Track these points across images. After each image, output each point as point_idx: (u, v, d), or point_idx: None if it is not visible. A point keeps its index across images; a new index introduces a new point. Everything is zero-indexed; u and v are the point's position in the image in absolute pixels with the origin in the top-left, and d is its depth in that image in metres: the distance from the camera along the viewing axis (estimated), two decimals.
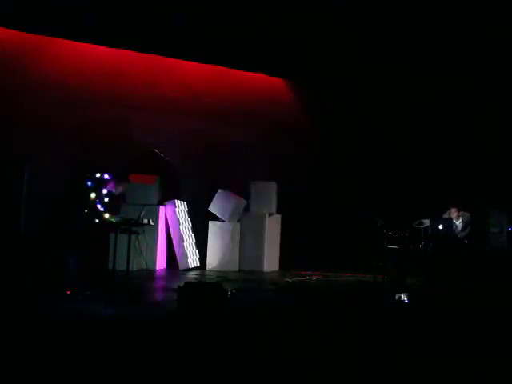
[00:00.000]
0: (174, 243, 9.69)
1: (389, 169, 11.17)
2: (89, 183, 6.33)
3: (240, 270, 9.76)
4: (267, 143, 11.09)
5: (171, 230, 9.75)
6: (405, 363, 4.14)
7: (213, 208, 9.97)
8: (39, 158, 9.06)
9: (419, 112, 11.41)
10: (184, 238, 9.63)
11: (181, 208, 9.88)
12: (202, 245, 9.97)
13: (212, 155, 11.03)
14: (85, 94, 9.71)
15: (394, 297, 6.50)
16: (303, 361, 4.12)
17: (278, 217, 10.34)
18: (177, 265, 9.57)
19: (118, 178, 6.66)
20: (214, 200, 9.94)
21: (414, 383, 3.84)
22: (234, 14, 9.14)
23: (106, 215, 6.28)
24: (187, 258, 9.60)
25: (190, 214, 10.08)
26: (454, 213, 8.83)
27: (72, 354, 4.04)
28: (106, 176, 6.52)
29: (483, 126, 10.86)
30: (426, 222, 8.60)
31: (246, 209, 10.24)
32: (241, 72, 11.13)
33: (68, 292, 5.93)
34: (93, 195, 6.31)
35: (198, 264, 9.85)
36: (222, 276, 8.74)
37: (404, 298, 6.44)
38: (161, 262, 9.64)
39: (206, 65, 10.78)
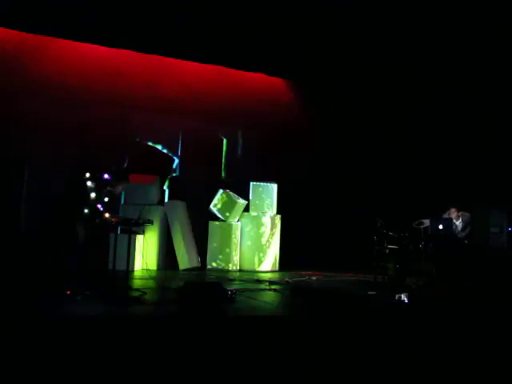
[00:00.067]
0: (175, 243, 9.69)
1: (389, 169, 11.18)
2: (89, 183, 6.32)
3: (240, 270, 9.80)
4: (267, 143, 11.09)
5: (171, 229, 9.76)
6: (405, 363, 4.14)
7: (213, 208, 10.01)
8: (39, 158, 9.07)
9: (419, 112, 11.42)
10: (184, 238, 9.63)
11: (181, 208, 9.89)
12: (202, 245, 9.97)
13: (212, 155, 11.05)
14: (85, 94, 9.71)
15: (394, 297, 6.50)
16: (303, 361, 4.12)
17: (278, 217, 10.35)
18: (177, 265, 9.57)
19: (118, 178, 6.66)
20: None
21: (413, 383, 3.84)
22: (234, 14, 9.15)
23: (106, 215, 6.28)
24: (187, 257, 9.59)
25: (190, 214, 10.08)
26: (453, 213, 8.83)
27: (72, 354, 4.04)
28: (106, 176, 6.52)
29: (483, 125, 10.86)
30: (426, 222, 8.61)
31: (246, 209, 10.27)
32: (241, 72, 11.14)
33: (68, 292, 5.92)
34: (93, 195, 6.30)
35: (199, 264, 9.84)
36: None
37: (404, 297, 6.44)
38: (161, 262, 9.66)
39: (206, 65, 10.78)
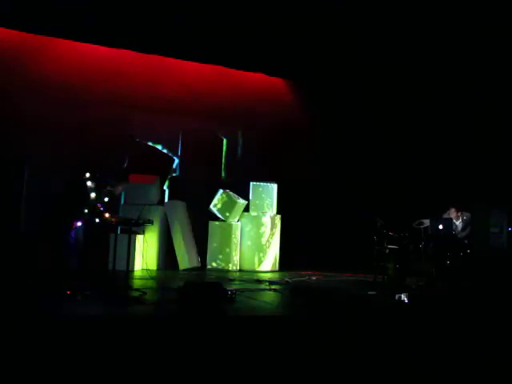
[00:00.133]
0: (174, 243, 9.69)
1: (389, 169, 11.18)
2: (89, 183, 6.32)
3: (240, 270, 9.80)
4: (267, 143, 11.09)
5: (171, 229, 9.76)
6: (405, 363, 4.14)
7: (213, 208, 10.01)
8: (39, 158, 9.07)
9: (419, 112, 11.42)
10: (184, 238, 9.63)
11: (181, 208, 9.89)
12: (202, 245, 9.97)
13: (212, 155, 11.05)
14: (85, 94, 9.72)
15: (394, 297, 6.50)
16: (303, 361, 4.12)
17: (278, 217, 10.35)
18: (177, 265, 9.58)
19: (118, 178, 6.66)
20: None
21: (413, 383, 3.84)
22: (234, 13, 9.14)
23: (106, 215, 6.28)
24: (187, 257, 9.59)
25: (190, 214, 10.08)
26: (453, 213, 8.83)
27: (72, 354, 4.04)
28: (106, 176, 6.52)
29: (483, 125, 10.86)
30: (426, 222, 8.61)
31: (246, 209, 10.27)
32: (241, 72, 11.14)
33: (68, 292, 5.93)
34: (93, 195, 6.30)
35: (199, 264, 9.84)
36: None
37: (404, 297, 6.44)
38: (161, 262, 9.66)
39: (206, 65, 10.79)
